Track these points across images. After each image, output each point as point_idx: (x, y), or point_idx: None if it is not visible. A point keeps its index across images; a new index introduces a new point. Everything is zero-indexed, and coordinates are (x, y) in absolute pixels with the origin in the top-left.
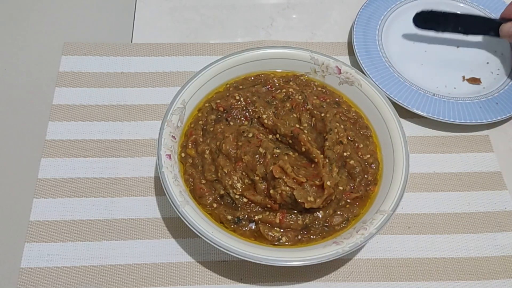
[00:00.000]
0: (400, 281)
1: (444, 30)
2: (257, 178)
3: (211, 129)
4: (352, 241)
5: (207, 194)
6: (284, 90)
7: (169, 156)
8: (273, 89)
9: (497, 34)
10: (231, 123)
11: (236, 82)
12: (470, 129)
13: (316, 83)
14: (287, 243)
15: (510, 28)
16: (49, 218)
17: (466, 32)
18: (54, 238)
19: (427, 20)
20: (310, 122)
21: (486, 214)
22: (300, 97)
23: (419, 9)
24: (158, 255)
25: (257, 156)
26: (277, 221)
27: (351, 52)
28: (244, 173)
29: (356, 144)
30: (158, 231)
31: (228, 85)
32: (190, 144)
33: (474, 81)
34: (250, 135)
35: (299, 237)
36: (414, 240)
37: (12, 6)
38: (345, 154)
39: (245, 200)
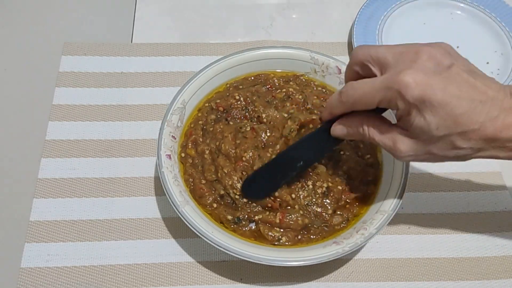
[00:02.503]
0: (400, 281)
1: (283, 179)
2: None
3: (211, 129)
4: (352, 241)
5: (207, 194)
6: (284, 90)
7: (169, 156)
8: (273, 88)
9: (334, 141)
10: (231, 123)
11: (236, 82)
12: None
13: (316, 83)
14: (287, 243)
15: (342, 130)
16: (49, 218)
17: (309, 162)
18: (54, 238)
19: (260, 183)
20: None
21: (486, 214)
22: (300, 96)
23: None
24: (158, 255)
25: (256, 149)
26: (277, 221)
27: (351, 52)
28: (244, 173)
29: (356, 144)
30: (158, 231)
31: (228, 85)
32: (190, 144)
33: None
34: (248, 129)
35: (299, 237)
36: (414, 240)
37: (12, 6)
38: (345, 154)
39: (245, 200)
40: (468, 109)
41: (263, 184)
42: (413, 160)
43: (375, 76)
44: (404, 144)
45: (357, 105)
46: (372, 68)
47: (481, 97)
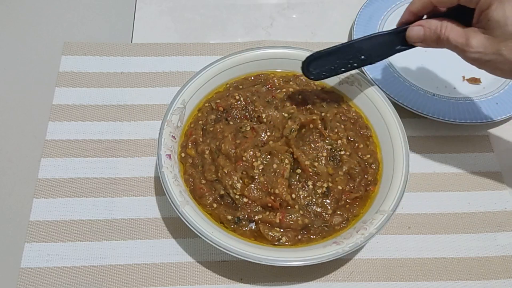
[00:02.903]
0: (400, 281)
1: (342, 68)
2: (256, 171)
3: (211, 129)
4: (352, 241)
5: (207, 194)
6: (284, 90)
7: (169, 156)
8: (273, 88)
9: (406, 45)
10: (231, 123)
11: (236, 82)
12: (470, 129)
13: (316, 83)
14: (287, 243)
15: (419, 31)
16: (49, 218)
17: (371, 60)
18: (54, 238)
19: (318, 65)
20: None
21: (486, 214)
22: (300, 96)
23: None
24: (158, 255)
25: (256, 150)
26: (277, 221)
27: None
28: (244, 173)
29: (356, 144)
30: (158, 231)
31: (228, 85)
32: (190, 144)
33: (474, 81)
34: (248, 128)
35: (299, 237)
36: (414, 240)
37: (12, 6)
38: (345, 154)
39: (245, 200)
40: None
41: (322, 65)
42: (479, 59)
43: None
44: (476, 38)
45: None
46: None
47: None
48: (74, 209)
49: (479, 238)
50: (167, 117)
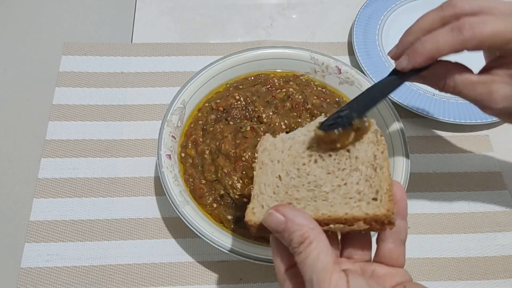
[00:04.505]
0: None
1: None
2: (255, 172)
3: (211, 129)
4: None
5: (207, 194)
6: (284, 90)
7: (169, 156)
8: (273, 88)
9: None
10: (231, 123)
11: (236, 82)
12: (470, 129)
13: (316, 83)
14: None
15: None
16: (49, 218)
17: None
18: (54, 238)
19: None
20: (309, 122)
21: (486, 214)
22: (300, 96)
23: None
24: (158, 255)
25: (255, 150)
26: None
27: (351, 52)
28: (244, 173)
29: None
30: (158, 231)
31: (228, 85)
32: (190, 144)
33: None
34: (248, 128)
35: None
36: (414, 240)
37: (12, 6)
38: None
39: (245, 200)
40: None
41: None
42: (508, 108)
43: None
44: (502, 87)
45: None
46: None
47: None
48: (74, 209)
49: (479, 238)
50: (167, 117)
